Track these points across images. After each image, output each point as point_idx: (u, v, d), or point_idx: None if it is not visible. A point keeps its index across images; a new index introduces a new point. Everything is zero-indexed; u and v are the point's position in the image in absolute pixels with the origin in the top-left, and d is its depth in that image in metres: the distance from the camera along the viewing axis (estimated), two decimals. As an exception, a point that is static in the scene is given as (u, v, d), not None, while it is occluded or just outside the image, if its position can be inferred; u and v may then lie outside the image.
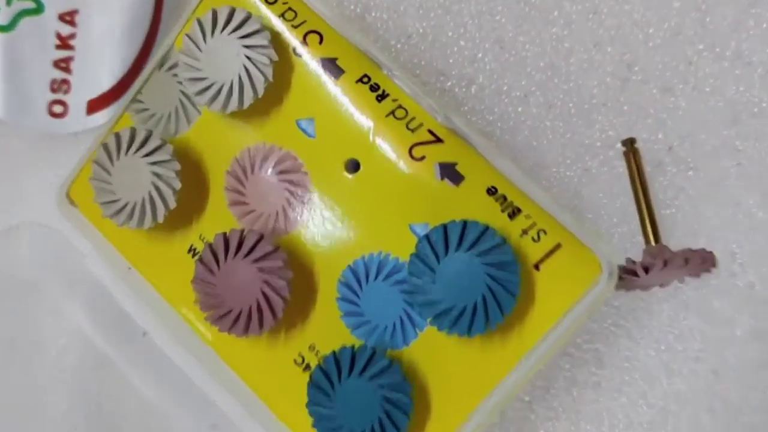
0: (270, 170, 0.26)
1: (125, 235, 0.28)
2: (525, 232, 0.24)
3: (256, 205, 0.27)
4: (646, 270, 0.25)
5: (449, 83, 0.30)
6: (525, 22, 0.29)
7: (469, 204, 0.25)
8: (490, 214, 0.24)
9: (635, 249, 0.28)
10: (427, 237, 0.24)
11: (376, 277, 0.25)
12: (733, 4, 0.27)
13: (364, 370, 0.24)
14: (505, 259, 0.23)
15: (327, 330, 0.26)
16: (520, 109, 0.29)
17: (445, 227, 0.24)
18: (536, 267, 0.24)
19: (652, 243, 0.26)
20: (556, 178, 0.29)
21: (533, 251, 0.24)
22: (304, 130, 0.26)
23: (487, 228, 0.23)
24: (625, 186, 0.28)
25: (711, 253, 0.25)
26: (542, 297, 0.24)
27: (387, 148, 0.25)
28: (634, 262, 0.25)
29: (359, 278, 0.26)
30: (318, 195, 0.26)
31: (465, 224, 0.23)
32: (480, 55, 0.29)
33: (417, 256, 0.24)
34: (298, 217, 0.26)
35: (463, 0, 0.29)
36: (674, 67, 0.28)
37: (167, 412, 0.30)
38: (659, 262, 0.24)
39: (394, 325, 0.25)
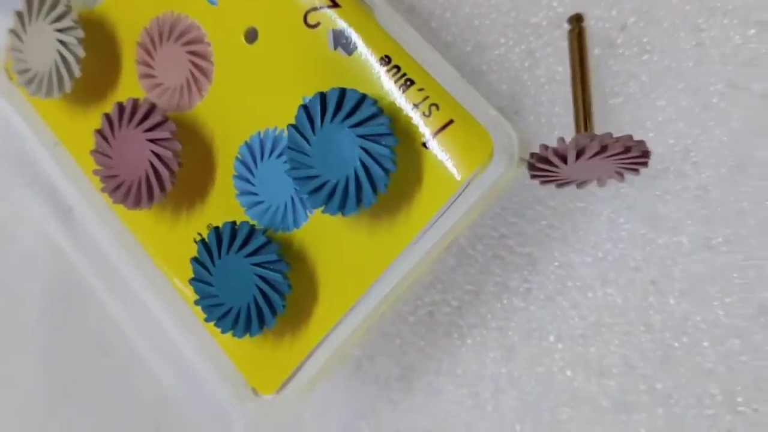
0: (175, 42, 0.25)
1: (51, 108, 0.28)
2: (416, 106, 0.22)
3: (164, 78, 0.26)
4: (562, 158, 0.22)
5: (394, -42, 0.27)
6: None
7: (361, 75, 0.23)
8: (381, 85, 0.22)
9: (572, 141, 0.24)
10: (304, 106, 0.22)
11: (270, 155, 0.24)
12: None
13: (242, 247, 0.23)
14: (379, 131, 0.21)
15: (223, 209, 0.25)
16: (463, -15, 0.26)
17: (323, 96, 0.22)
18: (425, 145, 0.22)
19: (582, 131, 0.23)
20: (497, 61, 0.26)
21: (423, 127, 0.22)
22: (208, -3, 0.25)
23: (364, 97, 0.21)
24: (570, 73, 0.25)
25: (641, 142, 0.22)
26: (430, 178, 0.22)
27: (283, 15, 0.24)
28: (546, 148, 0.22)
29: (254, 155, 0.24)
30: (219, 67, 0.25)
31: (344, 92, 0.21)
32: (425, -76, 0.27)
33: (295, 126, 0.22)
34: (201, 91, 0.25)
35: None
36: (633, -68, 0.24)
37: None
38: (572, 149, 0.21)
39: (286, 206, 0.24)
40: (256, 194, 0.24)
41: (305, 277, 0.24)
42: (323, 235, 0.23)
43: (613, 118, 0.24)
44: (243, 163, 0.24)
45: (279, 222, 0.24)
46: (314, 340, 0.24)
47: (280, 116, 0.24)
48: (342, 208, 0.21)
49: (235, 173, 0.25)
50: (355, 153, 0.21)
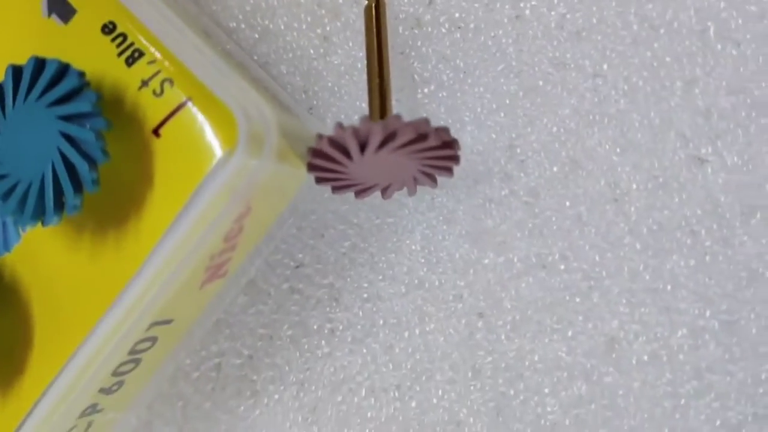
0: None
1: None
2: (145, 83, 0.17)
3: None
4: (342, 150, 0.17)
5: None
6: None
7: (80, 46, 0.17)
8: (102, 58, 0.17)
9: (374, 140, 0.20)
10: (-6, 84, 0.16)
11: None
12: None
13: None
14: (82, 110, 0.15)
15: None
16: (249, -40, 0.21)
17: (17, 69, 0.16)
18: (156, 132, 0.16)
19: (376, 119, 0.18)
20: (288, 48, 0.21)
21: (153, 110, 0.16)
22: None
23: (66, 67, 0.16)
24: (374, 59, 0.20)
25: (442, 128, 0.17)
26: (164, 174, 0.16)
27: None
28: (321, 137, 0.17)
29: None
30: None
31: (42, 63, 0.16)
32: None
33: (-19, 112, 0.17)
34: None
35: None
36: None
37: None
38: (351, 138, 0.17)
39: (-6, 225, 0.18)
40: (-45, 211, 0.18)
41: (19, 316, 0.18)
42: (38, 260, 0.18)
43: (423, 110, 0.20)
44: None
45: (-15, 245, 0.18)
46: (30, 399, 0.18)
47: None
48: (39, 215, 0.16)
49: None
50: (53, 140, 0.16)
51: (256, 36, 0.21)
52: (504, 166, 0.19)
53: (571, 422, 0.18)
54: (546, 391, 0.19)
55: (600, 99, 0.19)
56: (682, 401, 0.18)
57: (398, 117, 0.17)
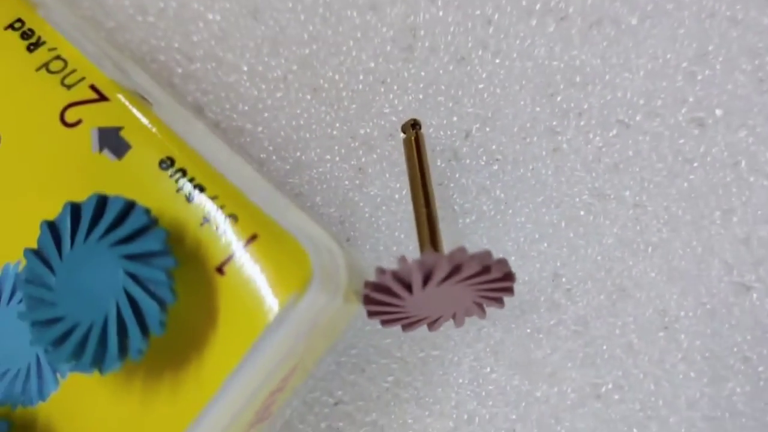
0: None
1: None
2: (207, 219, 0.17)
3: None
4: (405, 284, 0.17)
5: (193, 65, 0.23)
6: (285, -15, 0.23)
7: (136, 182, 0.17)
8: (160, 195, 0.17)
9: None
10: (48, 223, 0.16)
11: (10, 300, 0.18)
12: (536, -60, 0.21)
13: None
14: (151, 248, 0.15)
15: (-63, 382, 0.18)
16: (278, 95, 0.22)
17: (76, 207, 0.16)
18: (219, 270, 0.16)
19: (427, 249, 0.19)
20: (322, 180, 0.22)
21: (217, 247, 0.16)
22: (-66, 98, 0.19)
23: (132, 204, 0.16)
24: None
25: (502, 260, 0.18)
26: (228, 315, 0.16)
27: (33, 113, 0.18)
28: (383, 272, 0.17)
29: (-13, 301, 0.18)
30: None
31: (104, 200, 0.16)
32: (230, 29, 0.23)
33: (34, 252, 0.16)
34: None
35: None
36: (470, 29, 0.21)
37: None
38: (417, 271, 0.17)
39: (29, 370, 0.17)
40: (-16, 356, 0.18)
41: (52, 475, 0.17)
42: (78, 411, 0.17)
43: (466, 240, 0.20)
44: (-30, 313, 0.18)
45: (19, 393, 0.17)
46: None
47: (27, 246, 0.18)
48: (99, 362, 0.15)
49: (-42, 329, 0.18)
50: (118, 281, 0.15)
51: (288, 167, 0.22)
52: (550, 295, 0.20)
53: None
54: None
55: (642, 228, 0.20)
56: None
57: (463, 249, 0.17)
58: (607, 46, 0.21)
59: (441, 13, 0.22)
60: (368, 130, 0.22)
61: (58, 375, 0.17)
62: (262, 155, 0.22)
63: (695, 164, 0.20)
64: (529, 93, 0.21)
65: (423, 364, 0.20)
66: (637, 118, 0.20)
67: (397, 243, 0.21)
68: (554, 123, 0.21)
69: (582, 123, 0.20)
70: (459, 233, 0.21)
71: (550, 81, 0.21)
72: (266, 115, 0.22)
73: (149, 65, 0.23)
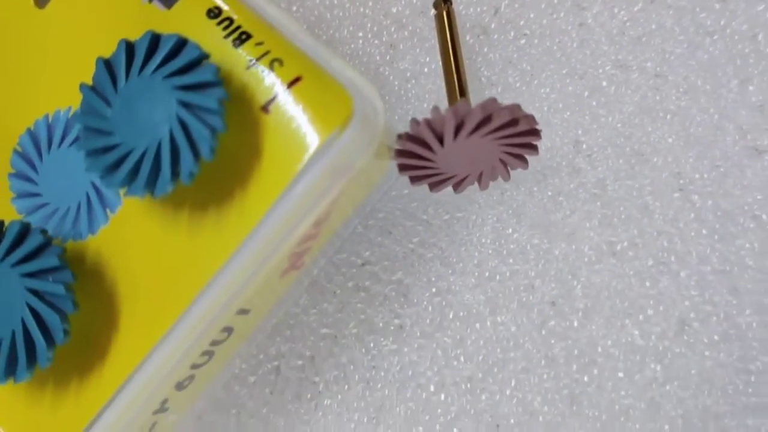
0: (-58, 9, 0.20)
1: None
2: (253, 63, 0.18)
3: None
4: (437, 134, 0.18)
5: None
6: None
7: (184, 30, 0.19)
8: (208, 41, 0.18)
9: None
10: (104, 59, 0.17)
11: (61, 143, 0.19)
12: None
13: (8, 252, 0.17)
14: (203, 79, 0.17)
15: (-6, 218, 0.19)
16: (313, -26, 0.23)
17: (130, 44, 0.17)
18: (264, 108, 0.18)
19: (456, 98, 0.20)
20: (354, 56, 0.23)
21: (263, 87, 0.18)
22: (-10, -44, 0.21)
23: (184, 41, 0.17)
24: (440, 64, 0.22)
25: (529, 115, 0.19)
26: (271, 150, 0.18)
27: (85, -34, 0.20)
28: (418, 123, 0.18)
29: (39, 145, 0.19)
30: (1, 40, 0.20)
31: (157, 37, 0.17)
32: None
33: (90, 87, 0.17)
34: (-27, 69, 0.20)
35: None
36: None
37: None
38: (450, 120, 0.18)
39: (79, 207, 0.19)
40: (38, 195, 0.19)
41: (102, 300, 0.18)
42: (128, 241, 0.18)
43: (491, 111, 0.22)
44: (23, 156, 0.19)
45: (69, 229, 0.19)
46: (112, 386, 0.18)
47: (78, 93, 0.19)
48: (151, 184, 0.17)
49: (12, 170, 0.19)
50: (171, 108, 0.17)
51: (322, 40, 0.23)
52: (572, 160, 0.21)
53: (647, 405, 0.20)
54: (620, 375, 0.20)
55: (662, 97, 0.21)
56: (753, 378, 0.19)
57: (494, 100, 0.18)
58: (634, -73, 0.22)
59: None
60: (400, 8, 0.23)
61: (108, 210, 0.19)
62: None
63: (715, 36, 0.21)
64: (556, -30, 0.22)
65: (447, 226, 0.22)
66: (661, -7, 0.21)
67: (425, 114, 0.22)
68: (580, -1, 0.22)
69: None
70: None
71: (577, -42, 0.22)
72: (301, -7, 0.23)
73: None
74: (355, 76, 0.19)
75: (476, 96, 0.22)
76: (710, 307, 0.20)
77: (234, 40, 0.18)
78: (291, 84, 0.18)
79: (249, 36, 0.18)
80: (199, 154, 0.17)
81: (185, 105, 0.17)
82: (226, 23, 0.18)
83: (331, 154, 0.17)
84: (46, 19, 0.20)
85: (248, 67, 0.18)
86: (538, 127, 0.19)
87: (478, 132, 0.19)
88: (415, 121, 0.19)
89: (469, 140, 0.19)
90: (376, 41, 0.23)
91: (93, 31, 0.19)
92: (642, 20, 0.21)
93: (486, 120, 0.19)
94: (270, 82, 0.18)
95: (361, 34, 0.23)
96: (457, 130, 0.19)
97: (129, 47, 0.17)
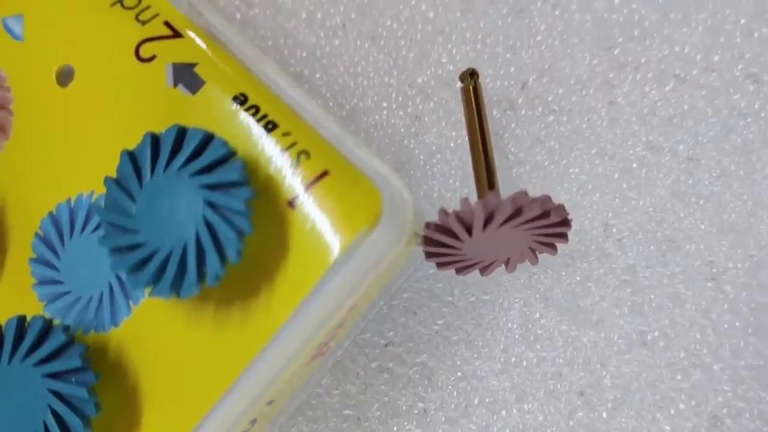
0: (-40, 85, 0.20)
1: None
2: (279, 155, 0.18)
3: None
4: (466, 226, 0.18)
5: (252, 11, 0.24)
6: (345, -68, 0.24)
7: (209, 117, 0.18)
8: (234, 130, 0.18)
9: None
10: (129, 153, 0.17)
11: (83, 229, 0.19)
12: None
13: (30, 351, 0.17)
14: (230, 179, 0.16)
15: (12, 306, 0.19)
16: (336, 42, 0.23)
17: (155, 137, 0.17)
18: (290, 204, 0.17)
19: (485, 192, 0.20)
20: (378, 127, 0.22)
21: (289, 181, 0.17)
22: (10, 31, 0.20)
23: (211, 136, 0.17)
24: (466, 139, 0.22)
25: (560, 205, 0.19)
26: (298, 248, 0.17)
27: (108, 47, 0.19)
28: (447, 213, 0.18)
29: (61, 231, 0.19)
30: (21, 117, 0.20)
31: (183, 131, 0.17)
32: (290, -25, 0.24)
33: (115, 180, 0.17)
34: (-6, 149, 0.20)
35: None
36: (530, -19, 0.22)
37: None
38: (480, 213, 0.18)
39: (101, 297, 0.19)
40: (60, 282, 0.19)
41: (124, 395, 0.18)
42: (151, 336, 0.18)
43: (519, 189, 0.21)
44: (45, 241, 0.19)
45: (91, 319, 0.19)
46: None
47: (99, 178, 0.19)
48: (177, 286, 0.16)
49: (34, 256, 0.19)
50: (198, 209, 0.16)
51: (344, 114, 0.23)
52: (601, 244, 0.21)
53: (677, 501, 0.19)
54: (650, 469, 0.20)
55: (694, 181, 0.20)
56: (788, 478, 0.19)
57: (525, 193, 0.18)
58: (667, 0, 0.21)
59: (501, -36, 0.23)
60: (425, 79, 0.23)
61: (131, 302, 0.18)
62: (319, 102, 0.23)
63: (749, 119, 0.21)
64: (587, 46, 0.22)
65: (473, 308, 0.21)
66: (694, 72, 0.21)
67: (451, 190, 0.22)
68: (611, 76, 0.21)
69: (638, 77, 0.21)
70: (513, 182, 0.22)
71: (608, 34, 0.22)
72: (324, 62, 0.23)
73: (269, 49, 0.24)
74: (382, 166, 0.18)
75: (504, 174, 0.22)
76: (743, 404, 0.19)
77: (260, 131, 0.18)
78: (318, 178, 0.17)
79: (276, 125, 0.18)
80: (226, 258, 0.16)
81: (211, 205, 0.16)
82: (252, 111, 0.18)
83: (360, 253, 0.17)
84: (68, 98, 0.20)
85: (274, 159, 0.18)
86: (569, 217, 0.19)
87: (507, 224, 0.19)
88: (443, 212, 0.19)
89: (497, 231, 0.19)
90: (401, 112, 0.23)
91: (116, 114, 0.19)
92: (673, 100, 0.21)
93: (516, 213, 0.18)
94: (297, 175, 0.18)
95: (385, 104, 0.23)
96: (487, 222, 0.18)
97: (155, 141, 0.17)
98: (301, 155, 0.18)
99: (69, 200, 0.19)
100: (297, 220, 0.17)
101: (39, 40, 0.20)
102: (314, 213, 0.17)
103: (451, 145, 0.22)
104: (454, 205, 0.22)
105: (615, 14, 0.21)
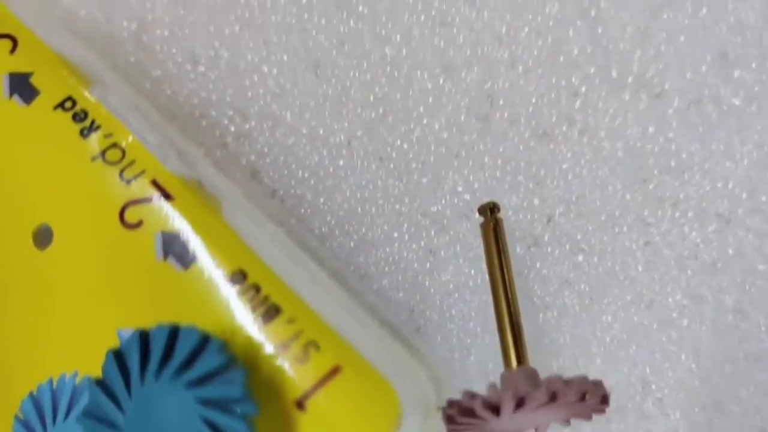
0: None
1: None
2: (285, 346, 0.16)
3: None
4: (493, 408, 0.16)
5: (248, 125, 0.22)
6: (349, 40, 0.21)
7: (202, 297, 0.17)
8: (231, 315, 0.16)
9: (496, 373, 0.19)
10: (115, 353, 0.15)
11: (67, 415, 0.17)
12: (635, 6, 0.20)
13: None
14: (229, 394, 0.15)
15: (-10, 497, 0.17)
16: (340, 162, 0.21)
17: (144, 336, 0.15)
18: (299, 405, 0.15)
19: (513, 366, 0.18)
20: (387, 262, 0.21)
21: (296, 378, 0.16)
22: (-21, 184, 0.18)
23: (206, 339, 0.15)
24: (486, 278, 0.20)
25: (598, 383, 0.17)
26: (308, 456, 0.15)
27: (88, 209, 0.17)
28: (473, 397, 0.16)
29: (43, 415, 0.17)
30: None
31: (175, 332, 0.15)
32: (288, 85, 0.22)
33: (99, 383, 0.15)
34: (-36, 317, 0.18)
35: (268, 10, 0.22)
36: (553, 101, 0.20)
37: None
38: (509, 400, 0.16)
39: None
40: (40, 474, 0.17)
41: None
42: None
43: (547, 339, 0.20)
44: (26, 426, 0.17)
45: None
46: None
47: (83, 357, 0.17)
48: None
49: (12, 438, 0.17)
50: (193, 425, 0.14)
51: (352, 245, 0.21)
52: (639, 403, 0.19)
53: None
54: None
55: (741, 335, 0.19)
56: None
57: (559, 378, 0.16)
58: (707, 129, 0.19)
59: (522, 81, 0.20)
60: (440, 208, 0.21)
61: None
62: (323, 229, 0.21)
63: (803, 268, 0.19)
64: (618, 177, 0.20)
65: (498, 469, 0.19)
66: (739, 212, 0.19)
67: (471, 335, 0.20)
68: (646, 213, 0.19)
69: (677, 215, 0.19)
70: (540, 329, 0.20)
71: (642, 165, 0.20)
72: (328, 183, 0.21)
73: (199, 121, 0.22)
74: (397, 347, 0.17)
75: (529, 319, 0.20)
76: None
77: (261, 315, 0.16)
78: (329, 375, 0.16)
79: (279, 310, 0.16)
80: (227, 480, 0.15)
81: (209, 424, 0.15)
82: (252, 293, 0.16)
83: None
84: (45, 262, 0.18)
85: (278, 351, 0.16)
86: (607, 394, 0.17)
87: (540, 409, 0.17)
88: (468, 395, 0.17)
89: (528, 413, 0.17)
90: (414, 245, 0.21)
91: (100, 285, 0.17)
92: (716, 243, 0.19)
93: (551, 399, 0.17)
94: (305, 371, 0.16)
95: (396, 234, 0.21)
96: (517, 406, 0.17)
97: (144, 339, 0.15)
98: (310, 347, 0.16)
99: (51, 381, 0.17)
100: (307, 423, 0.16)
101: (15, 197, 0.18)
102: (327, 417, 0.15)
103: (470, 284, 0.20)
104: (474, 352, 0.20)
105: (649, 143, 0.19)
